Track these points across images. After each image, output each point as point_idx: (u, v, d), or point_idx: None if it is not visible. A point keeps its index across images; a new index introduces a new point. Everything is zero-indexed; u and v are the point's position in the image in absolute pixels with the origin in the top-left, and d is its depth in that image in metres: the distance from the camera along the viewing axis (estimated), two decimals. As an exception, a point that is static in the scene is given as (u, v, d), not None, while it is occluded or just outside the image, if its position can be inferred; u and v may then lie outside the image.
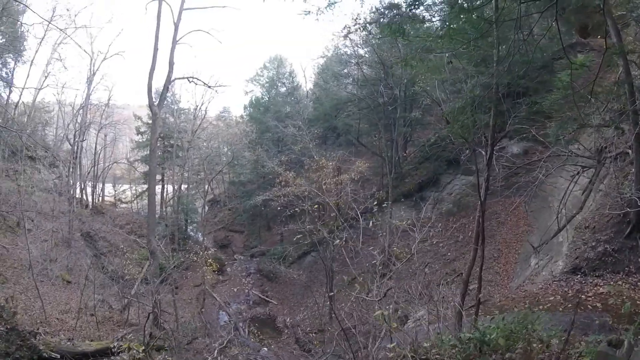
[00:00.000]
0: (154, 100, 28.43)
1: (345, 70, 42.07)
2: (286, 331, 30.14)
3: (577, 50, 24.30)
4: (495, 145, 10.46)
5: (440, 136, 23.19)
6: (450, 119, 10.57)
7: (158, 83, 35.24)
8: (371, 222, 15.56)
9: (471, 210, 26.95)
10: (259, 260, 41.52)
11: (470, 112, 11.11)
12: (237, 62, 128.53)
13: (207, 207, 55.55)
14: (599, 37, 21.99)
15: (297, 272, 34.89)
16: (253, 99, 51.81)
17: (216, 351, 19.46)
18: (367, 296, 10.22)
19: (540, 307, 11.63)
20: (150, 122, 47.11)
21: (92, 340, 19.76)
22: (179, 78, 33.83)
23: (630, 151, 14.74)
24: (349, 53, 39.52)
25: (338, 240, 15.98)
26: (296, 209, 20.55)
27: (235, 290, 36.48)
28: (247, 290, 36.82)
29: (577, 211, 16.65)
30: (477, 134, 12.59)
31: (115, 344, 17.53)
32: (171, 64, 28.82)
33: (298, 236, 18.91)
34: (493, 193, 24.82)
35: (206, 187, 48.34)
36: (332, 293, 21.66)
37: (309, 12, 9.83)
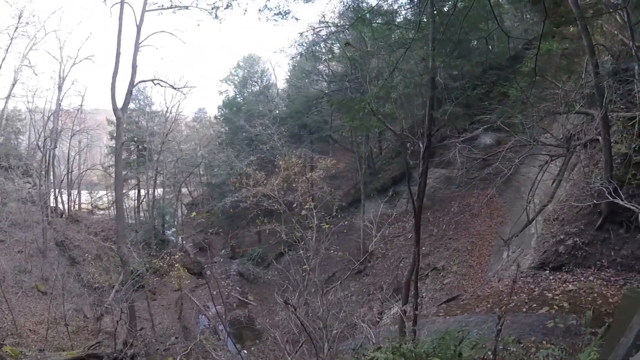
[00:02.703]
0: (119, 104, 27.53)
1: (321, 67, 41.27)
2: (265, 333, 29.80)
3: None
4: (432, 135, 9.65)
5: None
6: (345, 109, 9.81)
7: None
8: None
9: (445, 203, 26.60)
10: (239, 262, 40.86)
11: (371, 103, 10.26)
12: (215, 62, 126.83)
13: (185, 210, 54.65)
14: (570, 28, 21.72)
15: (273, 274, 34.35)
16: (226, 98, 50.93)
17: (179, 358, 18.95)
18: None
19: (503, 307, 10.88)
20: (125, 125, 46.16)
21: (63, 350, 19.62)
22: (143, 81, 33.29)
23: (600, 138, 14.10)
24: (319, 50, 38.73)
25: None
26: (258, 212, 19.99)
27: (214, 293, 35.95)
28: (226, 293, 36.25)
29: (546, 202, 16.07)
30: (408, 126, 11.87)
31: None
32: (134, 66, 27.90)
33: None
34: (461, 185, 24.49)
35: (178, 190, 47.17)
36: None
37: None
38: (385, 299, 20.61)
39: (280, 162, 21.79)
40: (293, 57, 42.69)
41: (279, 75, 79.37)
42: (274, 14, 9.56)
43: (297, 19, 10.81)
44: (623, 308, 3.72)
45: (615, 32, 15.21)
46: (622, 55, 15.33)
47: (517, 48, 26.06)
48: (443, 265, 23.12)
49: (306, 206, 13.26)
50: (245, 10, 28.75)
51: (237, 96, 50.39)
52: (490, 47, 27.25)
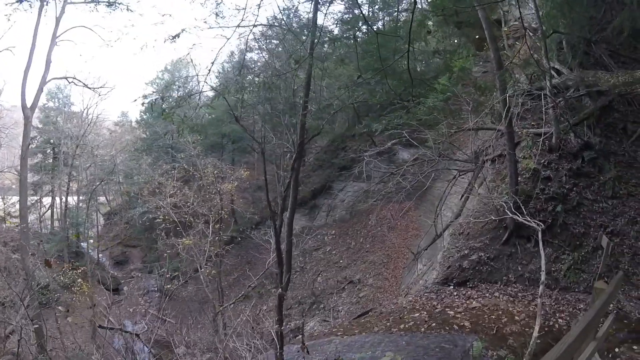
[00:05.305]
0: (29, 102, 25.50)
1: (250, 77, 40.30)
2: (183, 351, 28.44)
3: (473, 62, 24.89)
4: (303, 147, 9.25)
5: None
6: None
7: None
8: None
9: (363, 216, 26.62)
10: (158, 277, 39.00)
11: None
12: (149, 65, 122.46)
13: (103, 220, 51.83)
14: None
15: (189, 290, 33.02)
16: (149, 103, 48.84)
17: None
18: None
19: (402, 325, 10.41)
20: (41, 126, 43.16)
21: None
22: (56, 78, 30.95)
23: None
24: (247, 58, 37.92)
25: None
26: (167, 224, 19.09)
27: (131, 310, 34.21)
28: (143, 310, 34.46)
29: (454, 217, 16.07)
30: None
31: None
32: (48, 62, 25.94)
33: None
34: (378, 199, 24.67)
35: (89, 197, 44.32)
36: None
37: None
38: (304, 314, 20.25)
39: (173, 171, 20.80)
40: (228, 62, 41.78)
41: (208, 82, 77.52)
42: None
43: (130, 10, 10.26)
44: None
45: (531, 52, 15.51)
46: (536, 73, 15.71)
47: (440, 69, 26.91)
48: (359, 278, 23.00)
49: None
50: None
51: (161, 101, 48.44)
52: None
